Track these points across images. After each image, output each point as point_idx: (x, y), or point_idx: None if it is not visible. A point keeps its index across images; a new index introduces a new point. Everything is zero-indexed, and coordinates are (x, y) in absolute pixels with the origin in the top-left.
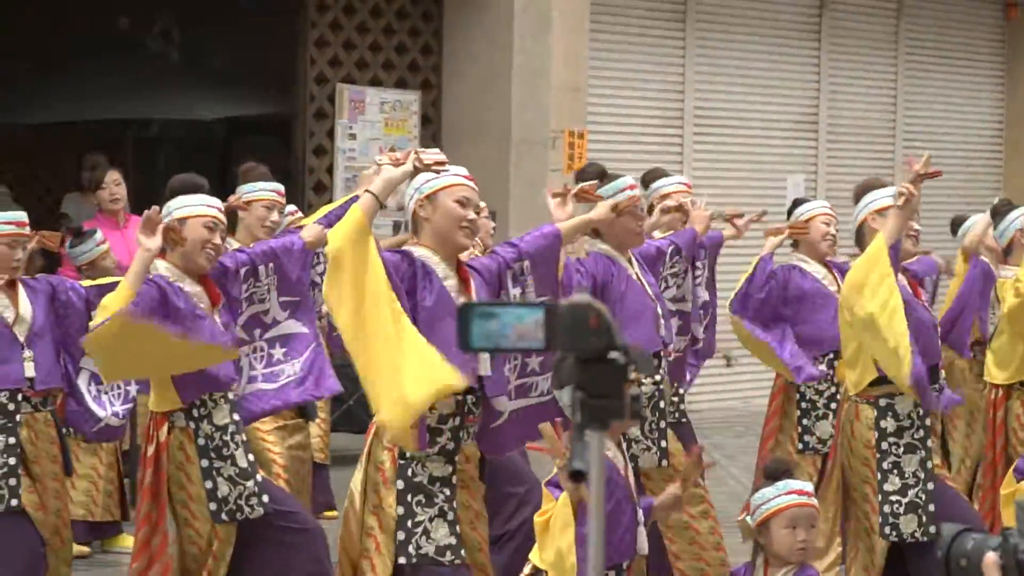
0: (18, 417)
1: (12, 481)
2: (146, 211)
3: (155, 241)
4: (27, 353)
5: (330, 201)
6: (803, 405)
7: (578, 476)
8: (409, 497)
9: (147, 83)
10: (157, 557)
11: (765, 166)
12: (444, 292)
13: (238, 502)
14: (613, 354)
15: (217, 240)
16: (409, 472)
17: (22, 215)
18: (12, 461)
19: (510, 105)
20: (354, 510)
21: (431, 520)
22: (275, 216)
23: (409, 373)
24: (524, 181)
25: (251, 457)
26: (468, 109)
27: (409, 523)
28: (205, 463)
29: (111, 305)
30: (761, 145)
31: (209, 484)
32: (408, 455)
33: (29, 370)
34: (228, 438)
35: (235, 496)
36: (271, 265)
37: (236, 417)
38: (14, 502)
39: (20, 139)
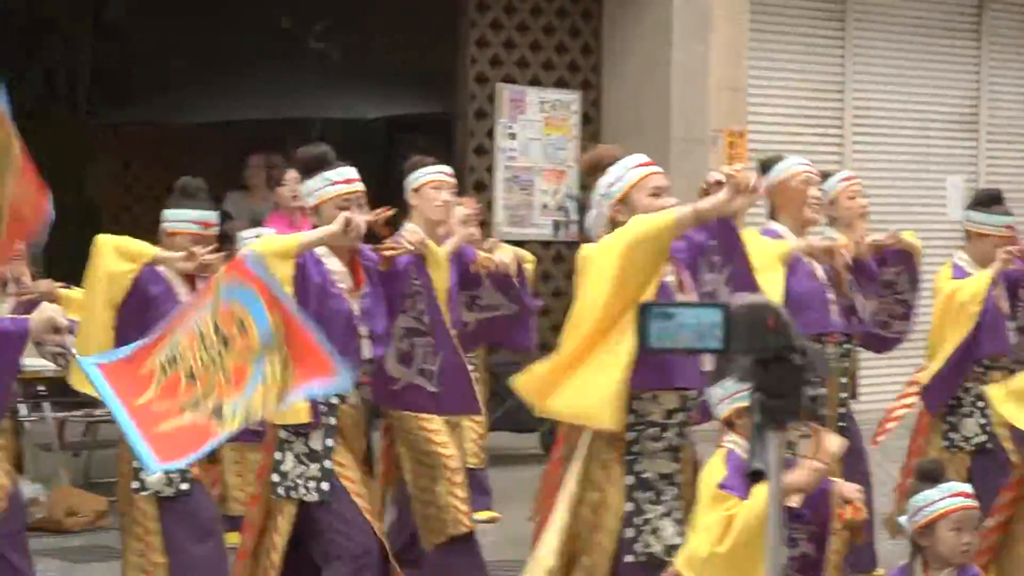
0: None
1: None
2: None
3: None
4: None
5: (490, 200)
6: (950, 403)
7: (757, 476)
8: (638, 493)
9: (307, 83)
10: None
11: (925, 167)
12: (668, 289)
13: (296, 480)
14: (790, 354)
15: (358, 218)
16: (637, 468)
17: (209, 215)
18: None
19: (670, 104)
20: (568, 508)
21: (660, 518)
22: (445, 195)
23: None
24: (685, 181)
25: (329, 443)
26: (628, 108)
27: (638, 520)
28: (283, 434)
29: (276, 240)
30: (921, 145)
31: (279, 455)
32: (635, 450)
33: None
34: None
35: (295, 474)
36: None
37: (334, 400)
38: (184, 485)
39: (183, 138)
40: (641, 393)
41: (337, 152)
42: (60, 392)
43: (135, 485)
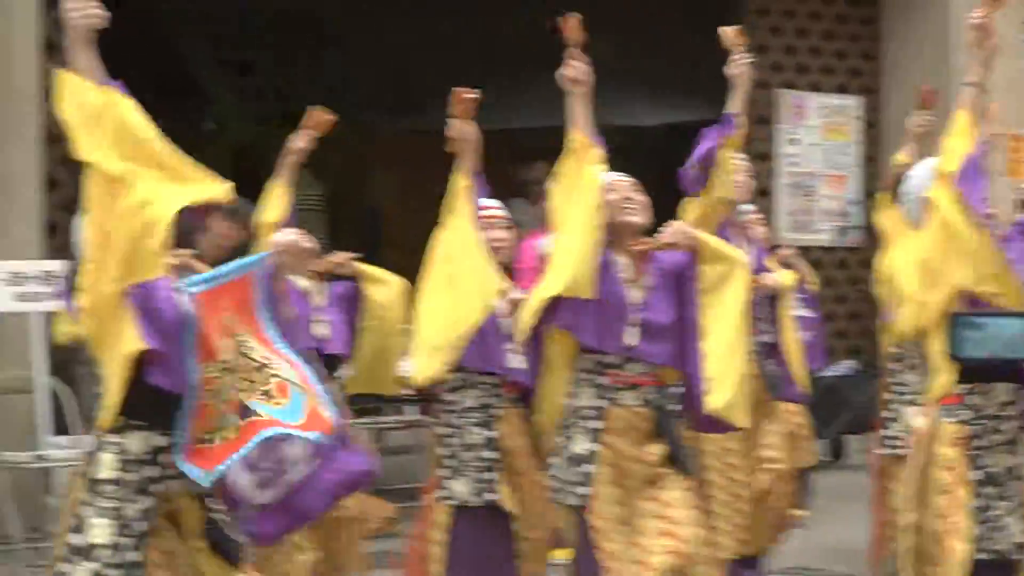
0: (494, 411)
1: (488, 475)
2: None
3: (581, 71)
4: (511, 345)
5: (772, 206)
6: None
7: None
8: (987, 489)
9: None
10: None
11: None
12: None
13: (564, 486)
14: None
15: (630, 194)
16: (984, 462)
17: (494, 201)
18: (491, 455)
19: (951, 109)
20: (911, 519)
21: (1008, 514)
22: (738, 176)
23: None
24: None
25: (592, 447)
26: (909, 113)
27: (986, 516)
28: (558, 439)
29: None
30: None
31: (552, 459)
32: (979, 445)
33: (514, 362)
34: (577, 419)
35: (564, 478)
36: None
37: (599, 403)
38: (490, 496)
39: None
40: (975, 387)
41: (617, 159)
42: (346, 399)
43: (440, 493)
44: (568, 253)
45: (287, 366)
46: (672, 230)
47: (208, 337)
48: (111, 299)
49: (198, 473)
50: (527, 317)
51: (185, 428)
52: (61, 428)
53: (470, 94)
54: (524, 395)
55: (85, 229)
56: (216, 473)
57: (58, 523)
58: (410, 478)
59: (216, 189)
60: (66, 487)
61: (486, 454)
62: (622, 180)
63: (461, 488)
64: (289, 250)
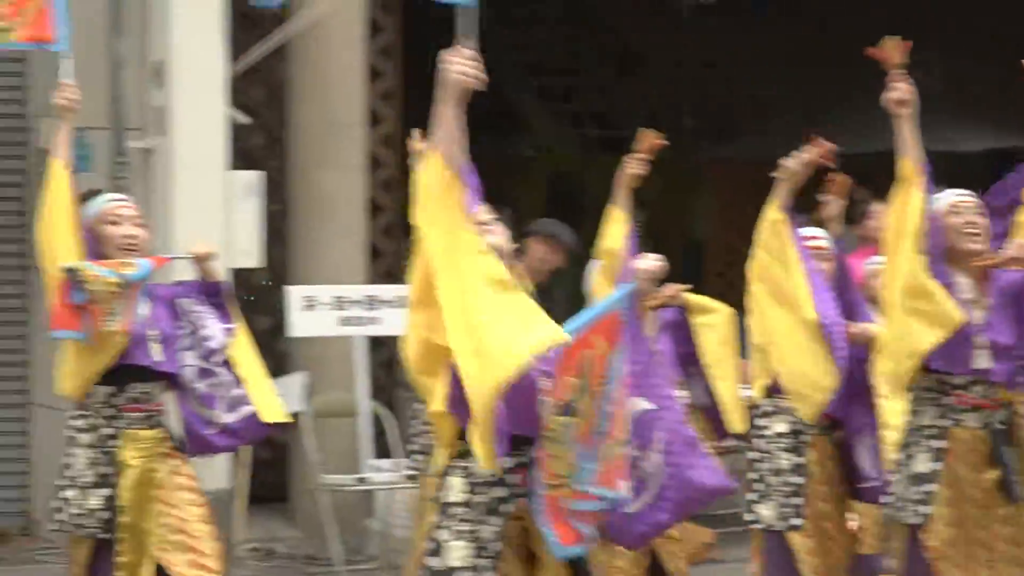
0: (804, 438)
1: (795, 500)
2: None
3: (906, 91)
4: None
5: None
6: None
7: None
8: None
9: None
10: None
11: None
12: None
13: (904, 504)
14: None
15: (973, 218)
16: None
17: (817, 230)
18: (798, 481)
19: None
20: None
21: None
22: None
23: None
24: None
25: (935, 467)
26: None
27: None
28: (896, 457)
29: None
30: None
31: (892, 477)
32: None
33: None
34: (920, 437)
35: (904, 496)
36: None
37: (943, 423)
38: (796, 521)
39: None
40: None
41: (936, 187)
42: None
43: (749, 517)
44: (916, 308)
45: (610, 411)
46: (1017, 246)
47: (557, 380)
48: (435, 359)
49: (556, 542)
50: (901, 375)
51: (539, 473)
52: (383, 451)
53: (827, 145)
54: (834, 423)
55: (409, 290)
56: (569, 552)
57: (378, 546)
58: (728, 504)
59: (559, 336)
60: (385, 510)
61: (793, 479)
62: (966, 201)
63: (767, 512)
64: (653, 277)
